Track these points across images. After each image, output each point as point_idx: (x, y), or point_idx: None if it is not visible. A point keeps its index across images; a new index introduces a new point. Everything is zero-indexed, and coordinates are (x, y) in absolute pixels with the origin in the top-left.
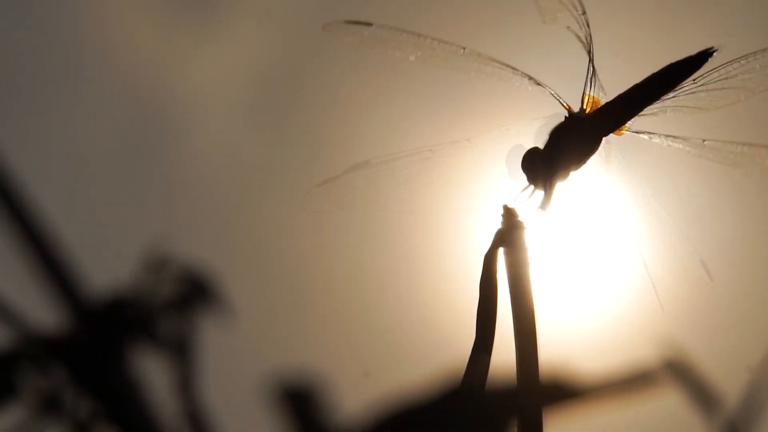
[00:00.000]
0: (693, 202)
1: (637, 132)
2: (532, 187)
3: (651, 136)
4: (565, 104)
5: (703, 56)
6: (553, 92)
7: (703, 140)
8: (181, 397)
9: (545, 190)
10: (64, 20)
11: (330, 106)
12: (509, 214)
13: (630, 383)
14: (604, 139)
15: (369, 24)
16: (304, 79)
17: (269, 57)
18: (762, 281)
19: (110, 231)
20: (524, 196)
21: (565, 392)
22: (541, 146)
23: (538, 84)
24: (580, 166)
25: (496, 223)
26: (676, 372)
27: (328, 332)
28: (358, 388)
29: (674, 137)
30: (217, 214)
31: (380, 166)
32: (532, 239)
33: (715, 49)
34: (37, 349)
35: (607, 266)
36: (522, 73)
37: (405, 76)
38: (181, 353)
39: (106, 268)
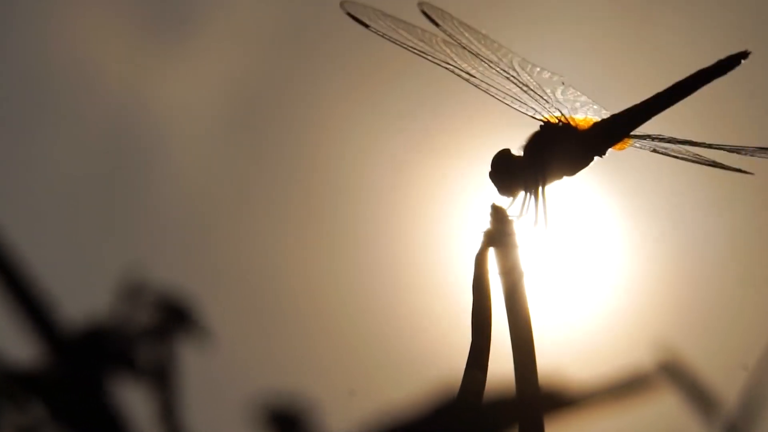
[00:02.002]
0: (686, 204)
1: (644, 144)
2: (520, 195)
3: (658, 146)
4: (545, 117)
5: (734, 61)
6: (538, 94)
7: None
8: (163, 426)
9: (534, 200)
10: (35, 43)
11: (307, 121)
12: (497, 214)
13: (625, 388)
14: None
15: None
16: (279, 94)
17: (243, 73)
18: (757, 281)
19: (83, 259)
20: (515, 209)
21: (558, 400)
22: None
23: (524, 85)
24: (564, 175)
25: (484, 224)
26: (672, 375)
27: (311, 351)
28: (346, 407)
29: (691, 143)
30: (193, 236)
31: None
32: (521, 238)
33: (748, 52)
34: (13, 384)
35: (598, 270)
36: (507, 65)
37: (384, 87)
38: (162, 381)
39: (81, 297)
